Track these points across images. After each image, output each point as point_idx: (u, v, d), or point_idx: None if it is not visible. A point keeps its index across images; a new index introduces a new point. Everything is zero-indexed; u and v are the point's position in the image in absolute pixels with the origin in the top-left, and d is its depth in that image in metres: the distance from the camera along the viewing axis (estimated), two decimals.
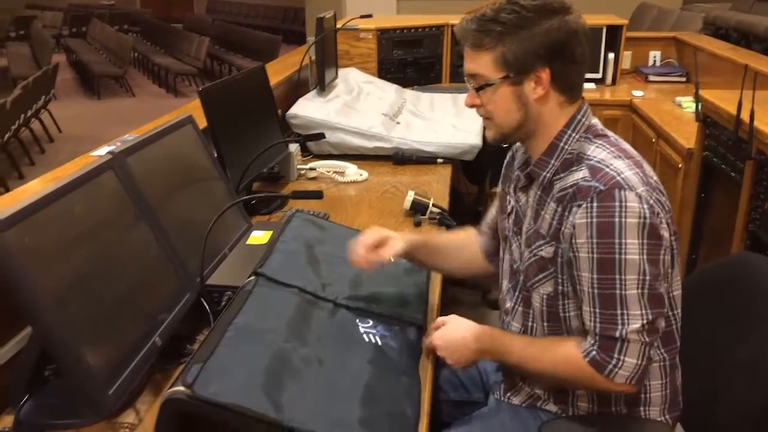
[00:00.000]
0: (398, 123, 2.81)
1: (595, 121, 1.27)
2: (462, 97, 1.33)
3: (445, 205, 2.15)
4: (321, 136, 2.38)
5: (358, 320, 1.35)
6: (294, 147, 2.39)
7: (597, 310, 1.16)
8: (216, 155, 1.88)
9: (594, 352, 1.17)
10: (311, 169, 2.43)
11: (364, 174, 2.42)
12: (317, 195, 1.44)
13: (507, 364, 1.32)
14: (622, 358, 1.15)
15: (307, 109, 2.68)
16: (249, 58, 9.52)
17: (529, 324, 1.32)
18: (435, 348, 1.33)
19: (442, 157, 2.60)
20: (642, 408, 1.29)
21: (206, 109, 1.85)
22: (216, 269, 1.50)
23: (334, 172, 2.41)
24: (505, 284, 1.40)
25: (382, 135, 2.62)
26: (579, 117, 1.24)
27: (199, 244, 1.41)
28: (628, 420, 1.30)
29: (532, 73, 1.20)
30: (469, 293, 3.15)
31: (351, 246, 1.42)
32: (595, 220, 1.14)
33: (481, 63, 1.22)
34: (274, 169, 2.36)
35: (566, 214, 1.19)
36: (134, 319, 1.24)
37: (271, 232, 1.69)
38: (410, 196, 2.06)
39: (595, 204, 1.14)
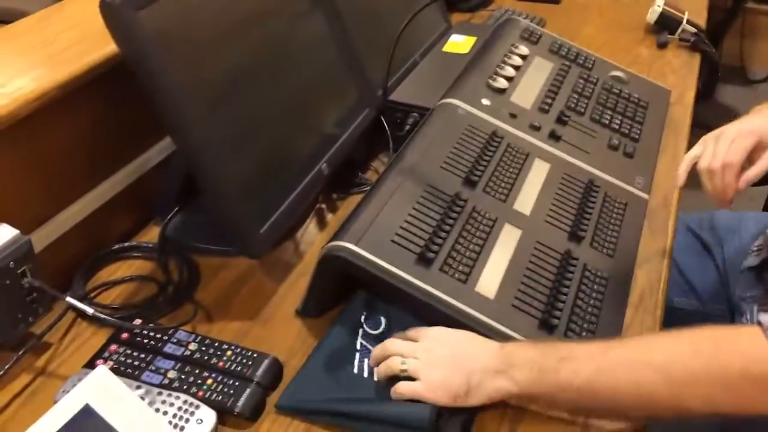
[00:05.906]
0: None
1: None
2: None
3: (702, 22, 1.63)
4: None
5: None
6: None
7: None
8: None
9: None
10: None
11: None
12: None
13: (558, 395, 0.70)
14: None
15: None
16: None
17: None
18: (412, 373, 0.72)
19: None
20: None
21: None
22: (401, 82, 1.19)
23: None
24: None
25: None
26: None
27: (384, 45, 1.10)
28: None
29: None
30: None
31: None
32: None
33: None
34: None
35: None
36: (298, 139, 0.99)
37: (474, 39, 1.33)
38: (658, 5, 1.57)
39: None
